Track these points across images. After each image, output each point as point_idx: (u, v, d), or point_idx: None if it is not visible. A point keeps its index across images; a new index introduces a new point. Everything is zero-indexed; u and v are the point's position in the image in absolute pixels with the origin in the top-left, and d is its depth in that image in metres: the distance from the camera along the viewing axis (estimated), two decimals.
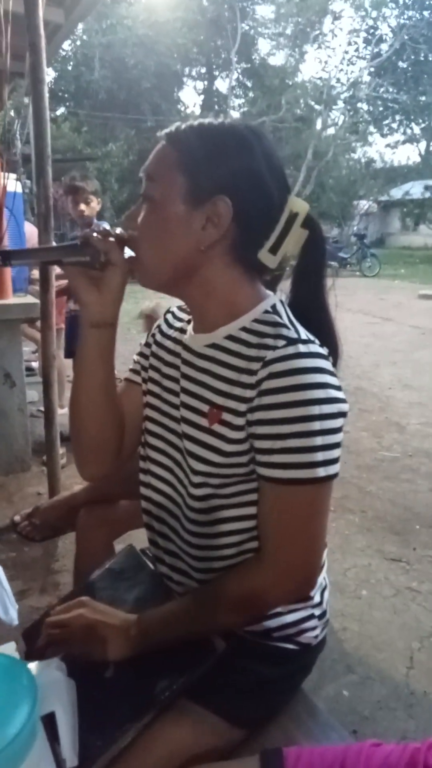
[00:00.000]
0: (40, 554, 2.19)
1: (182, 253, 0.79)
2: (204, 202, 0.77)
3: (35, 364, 4.43)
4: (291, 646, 0.92)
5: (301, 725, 0.93)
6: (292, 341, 0.76)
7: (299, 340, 0.76)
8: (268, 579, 0.80)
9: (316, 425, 0.73)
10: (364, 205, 21.82)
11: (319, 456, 0.74)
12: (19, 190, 3.04)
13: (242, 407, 0.78)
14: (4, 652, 0.83)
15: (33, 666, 0.63)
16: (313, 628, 0.94)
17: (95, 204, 3.18)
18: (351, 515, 2.62)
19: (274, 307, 0.83)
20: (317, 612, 0.95)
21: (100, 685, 0.80)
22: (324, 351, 0.79)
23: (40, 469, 2.91)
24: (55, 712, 0.60)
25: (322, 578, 0.97)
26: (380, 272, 14.55)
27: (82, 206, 3.13)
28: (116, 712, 0.79)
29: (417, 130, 24.57)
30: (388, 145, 28.67)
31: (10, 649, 0.85)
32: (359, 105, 22.62)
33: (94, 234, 0.80)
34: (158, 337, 0.99)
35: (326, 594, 0.99)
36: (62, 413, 2.67)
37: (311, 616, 0.93)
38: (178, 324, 0.97)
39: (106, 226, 0.84)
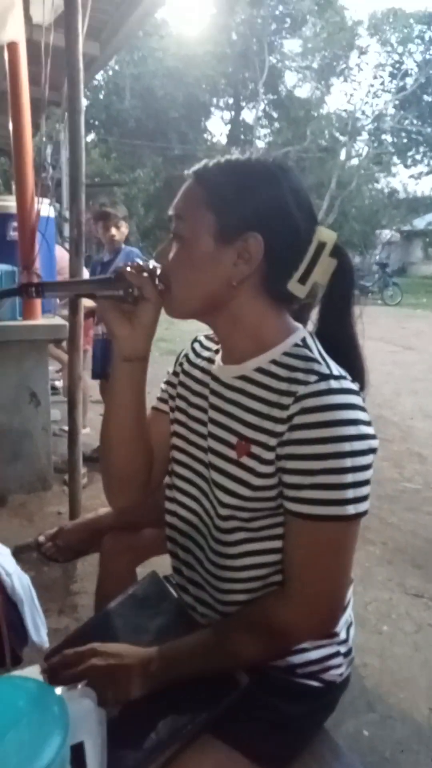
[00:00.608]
0: (59, 575, 2.19)
1: (213, 289, 0.80)
2: (234, 240, 0.78)
3: (59, 384, 4.47)
4: (315, 683, 0.90)
5: (324, 766, 0.91)
6: (324, 377, 0.76)
7: (331, 376, 0.76)
8: (292, 615, 0.79)
9: (348, 462, 0.73)
10: (386, 234, 21.89)
11: (350, 493, 0.73)
12: (52, 214, 3.12)
13: (272, 441, 0.78)
14: (28, 675, 0.83)
15: (63, 693, 0.63)
16: (338, 666, 0.92)
17: (124, 229, 3.25)
18: (372, 546, 2.58)
19: (304, 340, 0.83)
20: (343, 649, 0.93)
21: (122, 717, 0.80)
22: (355, 387, 0.79)
23: (61, 488, 2.91)
24: (84, 742, 0.60)
25: (348, 614, 0.96)
26: (402, 301, 14.49)
27: (113, 231, 3.19)
28: (138, 745, 0.78)
29: None
30: (411, 176, 28.87)
31: (35, 672, 0.84)
32: (383, 137, 22.89)
33: (128, 269, 0.81)
34: (186, 366, 0.99)
35: (352, 630, 0.97)
36: (84, 433, 2.70)
37: (337, 654, 0.91)
38: (206, 353, 0.97)
39: (139, 260, 0.85)
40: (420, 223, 22.84)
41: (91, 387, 3.65)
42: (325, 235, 0.81)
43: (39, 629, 0.98)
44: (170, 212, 0.83)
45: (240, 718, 0.84)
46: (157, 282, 0.83)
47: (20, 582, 1.04)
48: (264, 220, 0.78)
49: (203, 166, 0.82)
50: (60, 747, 0.54)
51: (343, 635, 0.93)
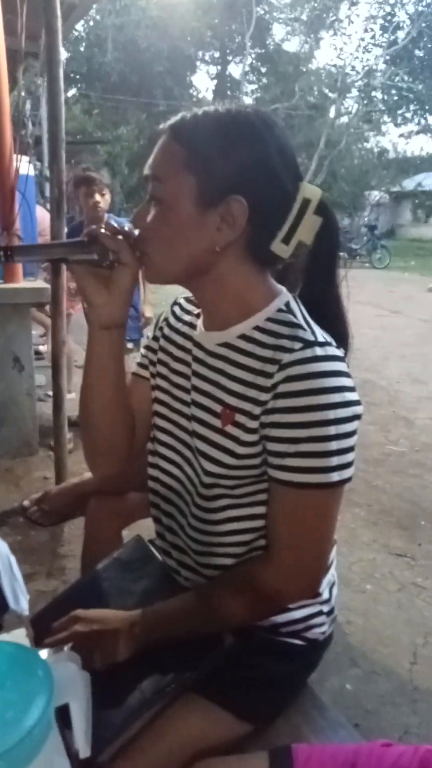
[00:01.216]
0: (47, 539, 2.20)
1: (195, 255, 0.77)
2: (217, 203, 0.74)
3: (43, 348, 4.43)
4: (298, 642, 0.92)
5: (309, 721, 0.93)
6: (308, 344, 0.74)
7: (316, 343, 0.74)
8: (274, 580, 0.80)
9: (332, 430, 0.72)
10: (375, 195, 21.60)
11: (334, 461, 0.73)
12: (32, 173, 3.02)
13: (257, 410, 0.77)
14: (14, 638, 0.83)
15: (47, 656, 0.63)
16: (321, 624, 0.94)
17: (108, 196, 3.04)
18: (357, 509, 2.62)
19: (288, 304, 0.81)
20: (325, 608, 0.94)
21: (107, 676, 0.80)
22: (340, 352, 0.77)
23: (47, 453, 2.91)
24: (69, 704, 0.60)
25: (331, 574, 0.97)
26: (390, 264, 14.43)
27: (97, 197, 2.90)
28: (123, 703, 0.79)
29: None
30: (401, 135, 28.33)
31: (20, 635, 0.84)
32: (374, 94, 22.29)
33: (102, 231, 0.77)
34: (166, 330, 0.96)
35: (335, 590, 0.98)
36: (70, 398, 2.67)
37: (319, 613, 0.93)
38: (186, 317, 0.94)
39: (114, 222, 0.81)
40: (409, 184, 22.54)
41: (75, 352, 3.61)
42: (310, 191, 0.78)
43: (18, 597, 0.97)
44: (146, 172, 0.78)
45: (224, 677, 0.86)
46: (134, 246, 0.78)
47: None
48: (248, 180, 0.73)
49: (180, 120, 0.76)
50: (45, 709, 0.54)
51: (325, 595, 0.94)
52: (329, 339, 0.78)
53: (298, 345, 0.74)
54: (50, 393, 2.59)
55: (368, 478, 2.90)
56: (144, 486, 1.01)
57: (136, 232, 0.79)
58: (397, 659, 1.72)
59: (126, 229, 0.78)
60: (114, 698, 0.79)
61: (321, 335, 0.77)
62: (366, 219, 20.39)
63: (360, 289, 9.72)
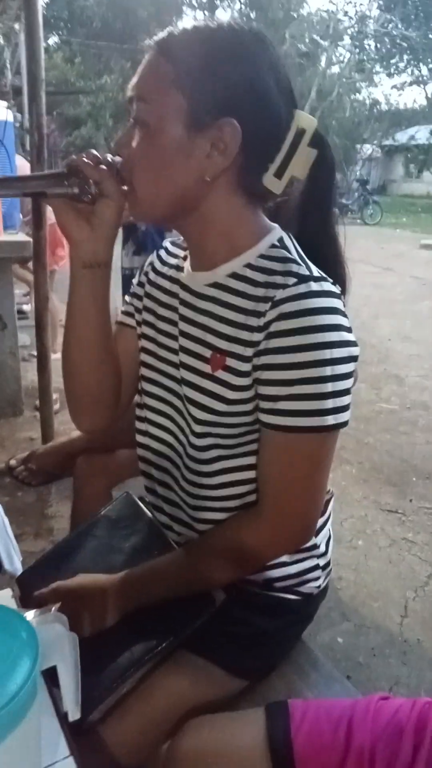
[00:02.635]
0: (34, 499, 2.18)
1: (184, 185, 0.70)
2: (208, 126, 0.67)
3: (27, 307, 4.32)
4: (292, 597, 0.90)
5: (304, 676, 0.93)
6: (303, 278, 0.69)
7: (311, 277, 0.70)
8: (265, 531, 0.77)
9: (327, 370, 0.68)
10: (367, 149, 21.12)
11: (329, 403, 0.69)
12: (11, 118, 2.86)
13: (248, 352, 0.72)
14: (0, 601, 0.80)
15: (33, 618, 0.60)
16: (316, 578, 0.92)
17: None
18: (348, 466, 2.62)
19: (281, 240, 0.76)
20: (322, 562, 0.93)
21: (96, 638, 0.78)
22: (336, 289, 0.72)
23: (32, 414, 2.86)
24: (57, 666, 0.57)
25: (327, 528, 0.95)
26: (382, 220, 14.22)
27: None
28: (113, 662, 0.77)
29: (425, 71, 23.37)
30: (394, 87, 27.52)
31: (6, 596, 0.82)
32: (366, 42, 21.51)
33: (84, 160, 0.70)
34: (152, 275, 0.90)
35: (331, 543, 0.97)
36: (55, 358, 2.61)
37: (316, 567, 0.91)
38: (172, 260, 0.88)
39: (94, 151, 0.73)
40: (402, 137, 22.05)
41: (61, 310, 3.53)
42: (305, 121, 0.71)
43: (12, 557, 0.95)
44: (130, 93, 0.70)
45: (216, 634, 0.84)
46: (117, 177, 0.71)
47: None
48: (241, 102, 0.67)
49: (168, 35, 0.69)
50: (29, 672, 0.52)
51: (322, 548, 0.92)
52: (324, 275, 0.73)
53: (291, 280, 0.69)
54: (35, 353, 2.52)
55: (359, 436, 2.90)
56: (133, 443, 0.97)
57: (120, 161, 0.72)
58: (388, 613, 1.74)
59: (109, 159, 0.71)
60: (104, 659, 0.78)
61: (317, 270, 0.72)
62: (358, 174, 19.98)
63: (351, 245, 9.29)
